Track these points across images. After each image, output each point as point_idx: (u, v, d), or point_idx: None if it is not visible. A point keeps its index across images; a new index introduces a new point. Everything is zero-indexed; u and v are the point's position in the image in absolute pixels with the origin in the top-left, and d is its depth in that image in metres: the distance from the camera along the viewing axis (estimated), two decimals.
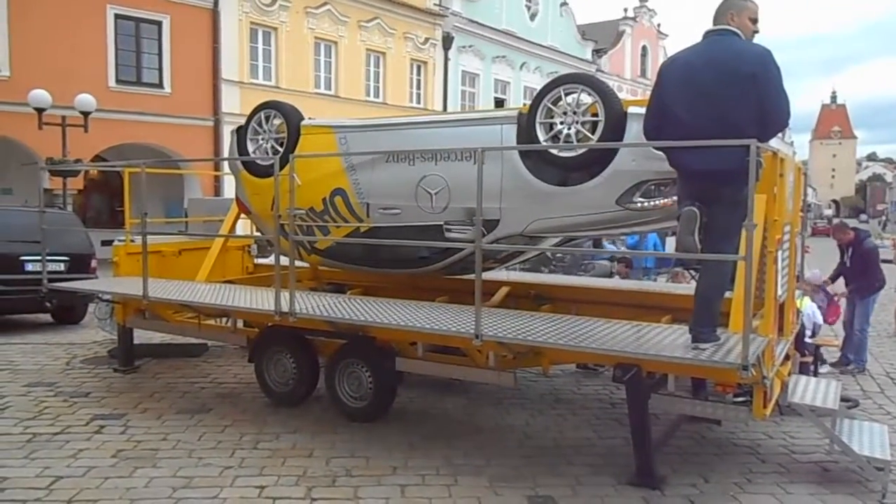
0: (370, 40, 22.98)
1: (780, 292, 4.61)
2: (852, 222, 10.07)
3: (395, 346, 5.63)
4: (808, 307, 6.84)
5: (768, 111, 3.80)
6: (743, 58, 3.82)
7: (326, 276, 7.72)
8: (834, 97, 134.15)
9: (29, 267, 9.24)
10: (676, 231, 4.02)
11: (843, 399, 5.57)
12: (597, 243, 10.95)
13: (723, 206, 3.91)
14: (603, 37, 35.04)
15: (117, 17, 17.17)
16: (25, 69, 15.35)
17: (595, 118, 4.90)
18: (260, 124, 6.52)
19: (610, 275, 10.82)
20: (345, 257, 6.43)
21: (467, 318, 4.74)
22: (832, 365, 7.81)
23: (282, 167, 5.39)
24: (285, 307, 5.24)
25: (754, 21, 4.03)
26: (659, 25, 39.25)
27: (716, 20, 4.04)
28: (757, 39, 4.07)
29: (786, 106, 3.84)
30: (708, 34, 4.05)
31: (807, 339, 6.73)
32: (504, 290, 6.67)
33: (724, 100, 3.81)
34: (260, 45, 20.17)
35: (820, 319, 7.10)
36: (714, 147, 3.75)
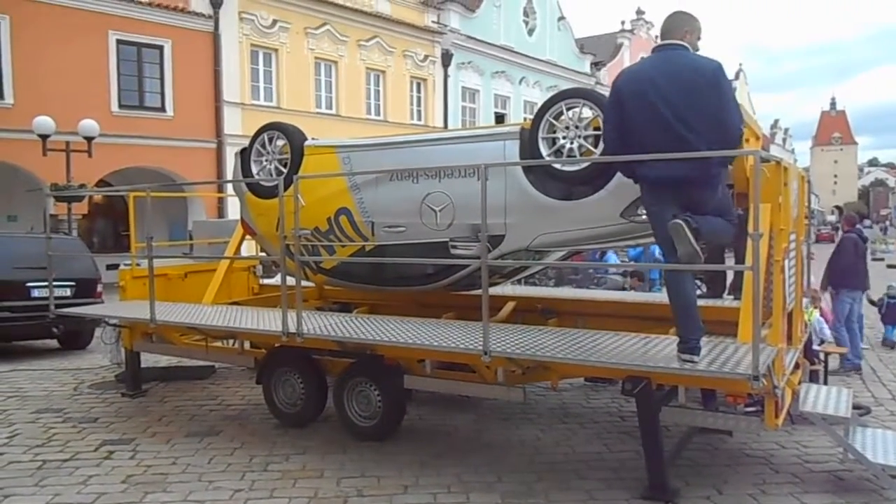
0: (370, 59, 23.13)
1: (787, 301, 4.60)
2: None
3: (403, 364, 5.61)
4: (816, 320, 6.81)
5: (723, 120, 3.95)
6: (701, 71, 3.97)
7: (332, 296, 7.73)
8: (833, 104, 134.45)
9: (36, 293, 9.27)
10: (676, 244, 3.95)
11: (854, 406, 5.53)
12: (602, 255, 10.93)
13: (710, 206, 4.07)
14: (601, 50, 35.21)
15: (119, 42, 17.32)
16: (28, 96, 15.47)
17: (597, 132, 4.92)
18: (263, 146, 6.56)
19: (622, 289, 10.79)
20: (351, 276, 6.43)
21: (475, 335, 4.74)
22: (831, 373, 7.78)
23: (286, 188, 5.41)
24: (292, 328, 5.24)
25: (699, 39, 4.26)
26: (657, 37, 39.40)
27: (669, 34, 4.17)
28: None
29: (737, 117, 4.01)
30: (661, 48, 4.18)
31: (815, 347, 6.70)
32: (511, 305, 6.66)
33: (686, 111, 3.93)
34: (261, 67, 20.31)
35: (828, 333, 7.08)
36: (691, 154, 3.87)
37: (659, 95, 3.96)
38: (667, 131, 3.94)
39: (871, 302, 9.87)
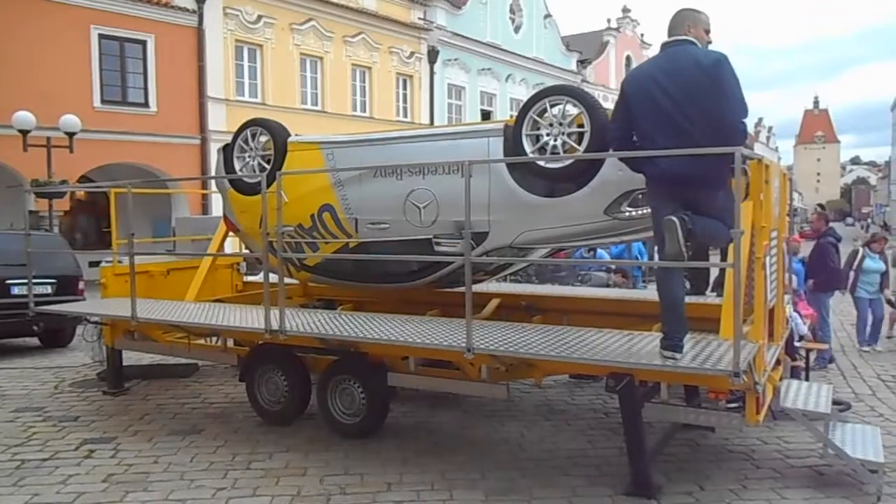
0: (356, 55, 23.05)
1: (769, 297, 4.62)
2: (837, 226, 10.46)
3: (387, 361, 5.60)
4: (790, 316, 6.85)
5: (723, 114, 3.88)
6: (701, 64, 3.94)
7: (316, 293, 7.69)
8: (816, 102, 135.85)
9: (15, 290, 9.15)
10: (665, 241, 3.96)
11: (834, 402, 5.59)
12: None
13: (713, 208, 4.00)
14: (587, 47, 35.32)
15: (101, 37, 17.14)
16: (9, 91, 15.26)
17: (581, 129, 4.92)
18: (246, 142, 6.50)
19: (606, 286, 10.81)
20: (334, 273, 6.41)
21: (459, 332, 4.73)
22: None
23: (269, 184, 5.38)
24: (275, 325, 5.21)
25: (707, 32, 4.19)
26: (642, 35, 39.58)
27: (672, 31, 4.16)
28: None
29: (738, 110, 3.90)
30: (666, 45, 4.17)
31: (796, 344, 6.74)
32: (495, 302, 6.66)
33: (687, 105, 3.92)
34: (245, 63, 20.18)
35: (803, 329, 7.13)
36: (695, 152, 3.82)
37: (661, 91, 3.97)
38: (670, 127, 3.94)
39: (889, 302, 9.98)
